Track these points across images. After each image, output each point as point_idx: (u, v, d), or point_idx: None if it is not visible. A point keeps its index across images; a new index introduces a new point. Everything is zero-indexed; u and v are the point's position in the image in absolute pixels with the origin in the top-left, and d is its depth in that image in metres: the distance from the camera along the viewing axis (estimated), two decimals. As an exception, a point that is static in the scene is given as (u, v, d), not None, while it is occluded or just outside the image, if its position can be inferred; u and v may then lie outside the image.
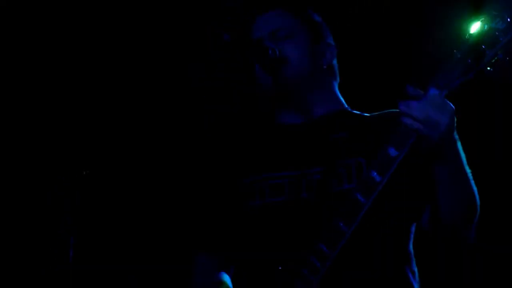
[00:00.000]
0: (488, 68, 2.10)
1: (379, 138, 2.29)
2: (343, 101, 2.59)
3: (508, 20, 2.06)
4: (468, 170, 2.20)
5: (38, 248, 3.86)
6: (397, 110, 2.30)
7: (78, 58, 3.90)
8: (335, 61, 2.62)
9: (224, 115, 3.54)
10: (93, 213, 3.83)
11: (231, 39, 2.38)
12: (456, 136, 2.16)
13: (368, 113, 2.54)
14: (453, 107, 2.11)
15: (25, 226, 3.91)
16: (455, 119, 2.11)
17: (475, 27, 2.09)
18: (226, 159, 2.57)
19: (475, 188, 2.22)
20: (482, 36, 2.08)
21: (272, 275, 2.29)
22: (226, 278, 2.51)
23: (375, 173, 2.13)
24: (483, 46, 2.06)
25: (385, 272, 2.30)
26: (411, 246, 2.41)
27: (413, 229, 2.42)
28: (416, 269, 2.39)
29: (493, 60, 2.08)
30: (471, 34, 2.08)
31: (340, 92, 2.63)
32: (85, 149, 3.71)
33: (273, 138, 2.55)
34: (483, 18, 2.07)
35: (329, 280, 2.20)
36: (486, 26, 2.08)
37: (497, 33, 2.06)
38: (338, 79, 2.62)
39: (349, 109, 2.57)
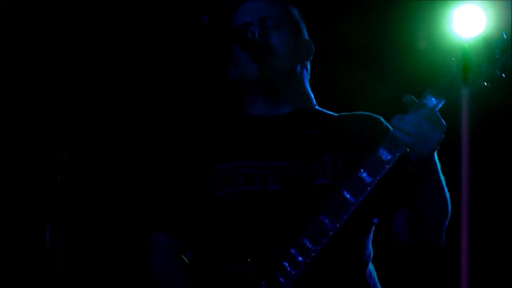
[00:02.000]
0: (486, 84, 2.16)
1: (353, 138, 2.40)
2: (313, 98, 2.60)
3: (505, 37, 2.16)
4: (443, 177, 2.25)
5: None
6: (368, 113, 2.51)
7: (70, 56, 3.88)
8: (310, 58, 2.62)
9: (195, 103, 3.54)
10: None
11: (210, 21, 2.35)
12: None
13: (335, 113, 2.57)
14: (445, 124, 2.16)
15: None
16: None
17: (474, 42, 2.16)
18: (197, 145, 2.54)
19: (448, 194, 2.26)
20: (481, 52, 2.14)
21: (242, 264, 2.29)
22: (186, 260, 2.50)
23: (365, 174, 2.15)
24: (484, 62, 2.14)
25: (360, 267, 2.37)
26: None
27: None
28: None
29: (491, 76, 2.16)
30: (470, 48, 2.15)
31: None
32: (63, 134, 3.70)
33: (246, 128, 2.52)
34: (482, 35, 2.11)
35: (310, 274, 2.20)
36: (484, 43, 2.15)
37: (496, 50, 2.14)
38: (309, 75, 2.63)
39: (318, 108, 2.58)
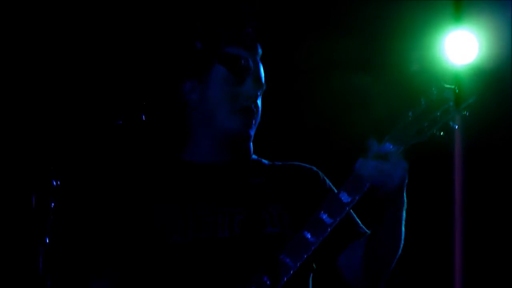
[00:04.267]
0: (441, 133, 2.23)
1: (293, 189, 2.45)
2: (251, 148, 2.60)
3: (457, 91, 2.21)
4: (404, 215, 2.31)
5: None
6: (303, 164, 2.59)
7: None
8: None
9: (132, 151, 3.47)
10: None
11: (203, 47, 2.37)
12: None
13: (268, 161, 2.59)
14: (406, 164, 2.20)
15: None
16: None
17: (430, 93, 2.22)
18: (140, 190, 2.45)
19: (403, 232, 2.32)
20: (436, 102, 2.21)
21: None
22: None
23: (326, 216, 2.22)
24: (438, 113, 2.20)
25: None
26: None
27: None
28: None
29: (445, 126, 2.22)
30: (427, 98, 2.21)
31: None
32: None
33: (188, 174, 2.47)
34: (433, 88, 2.20)
35: None
36: (438, 95, 2.21)
37: (449, 102, 2.21)
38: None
39: (255, 157, 2.58)
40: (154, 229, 2.35)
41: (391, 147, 2.21)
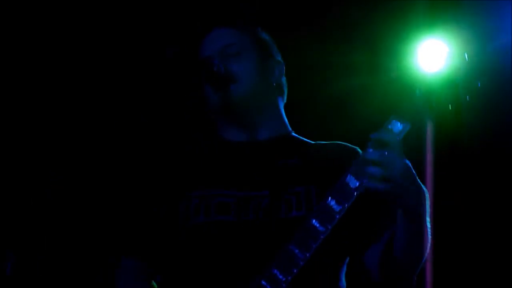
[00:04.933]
0: (450, 108, 2.21)
1: (328, 167, 2.39)
2: (288, 124, 2.59)
3: (467, 59, 2.27)
4: (428, 225, 2.23)
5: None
6: (344, 143, 2.57)
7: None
8: (284, 79, 2.61)
9: (167, 128, 3.56)
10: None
11: (174, 55, 2.39)
12: (426, 194, 2.20)
13: (311, 140, 2.55)
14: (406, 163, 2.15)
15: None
16: (414, 174, 2.16)
17: (438, 66, 2.26)
18: (172, 170, 2.52)
19: (429, 240, 2.25)
20: (444, 76, 2.23)
21: None
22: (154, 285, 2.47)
23: (334, 202, 2.16)
24: (446, 91, 2.21)
25: None
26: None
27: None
28: None
29: (457, 100, 2.21)
30: (434, 73, 2.24)
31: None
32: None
33: (219, 154, 2.51)
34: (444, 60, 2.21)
35: None
36: (447, 68, 2.24)
37: (458, 76, 2.23)
38: (285, 99, 2.62)
39: (294, 134, 2.57)
40: (179, 209, 2.38)
41: (398, 124, 2.16)
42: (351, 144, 2.53)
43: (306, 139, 2.55)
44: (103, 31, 3.83)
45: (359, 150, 2.46)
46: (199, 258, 2.35)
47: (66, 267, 3.92)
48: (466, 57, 2.27)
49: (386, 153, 2.10)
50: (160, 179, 2.51)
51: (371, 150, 2.13)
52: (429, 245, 2.26)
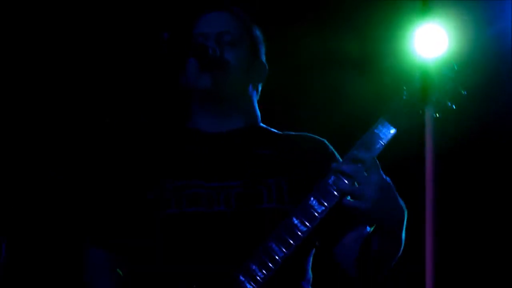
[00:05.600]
0: (436, 115, 2.24)
1: (298, 160, 2.41)
2: (259, 115, 2.60)
3: (456, 68, 2.14)
4: (403, 236, 2.26)
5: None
6: (313, 135, 2.57)
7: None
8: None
9: (136, 116, 3.55)
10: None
11: (170, 35, 2.36)
12: (402, 205, 2.22)
13: (279, 131, 2.56)
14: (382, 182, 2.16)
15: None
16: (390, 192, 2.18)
17: (437, 62, 2.15)
18: (141, 159, 2.49)
19: (402, 245, 2.29)
20: (432, 81, 2.22)
21: (183, 285, 2.27)
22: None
23: (316, 202, 2.17)
24: (435, 93, 2.21)
25: None
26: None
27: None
28: None
29: (443, 107, 2.23)
30: (433, 68, 2.24)
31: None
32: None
33: (189, 143, 2.50)
34: (444, 55, 2.15)
35: None
36: (434, 73, 2.24)
37: (447, 81, 2.23)
38: (258, 97, 2.64)
39: (262, 124, 2.58)
40: (150, 199, 2.37)
41: (385, 129, 2.15)
42: (341, 139, 2.51)
43: (274, 130, 2.56)
44: (100, 27, 3.73)
45: (327, 143, 2.49)
46: (171, 250, 2.33)
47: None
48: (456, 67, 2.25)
49: (360, 167, 2.13)
50: (129, 168, 2.48)
51: (353, 154, 2.15)
52: (401, 249, 2.30)
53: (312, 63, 3.99)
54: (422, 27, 3.75)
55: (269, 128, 2.56)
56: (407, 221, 2.28)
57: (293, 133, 2.54)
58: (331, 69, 3.97)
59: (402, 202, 2.22)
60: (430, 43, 3.73)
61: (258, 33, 2.62)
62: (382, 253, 2.28)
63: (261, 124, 2.56)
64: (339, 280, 2.47)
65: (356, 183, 2.13)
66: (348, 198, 2.15)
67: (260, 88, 2.62)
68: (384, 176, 2.17)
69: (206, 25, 2.52)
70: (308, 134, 2.52)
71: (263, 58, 2.63)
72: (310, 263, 2.44)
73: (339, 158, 2.41)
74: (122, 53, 3.79)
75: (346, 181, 2.13)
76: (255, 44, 2.58)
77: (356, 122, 2.60)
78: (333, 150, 2.47)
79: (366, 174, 2.13)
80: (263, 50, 2.64)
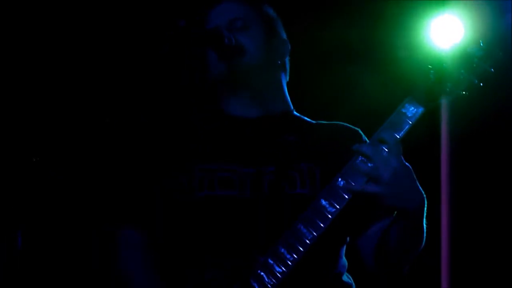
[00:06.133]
0: (464, 92, 2.15)
1: (330, 147, 2.36)
2: (290, 102, 2.55)
3: (482, 46, 2.14)
4: (425, 225, 2.21)
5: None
6: (346, 124, 2.52)
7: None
8: (287, 58, 2.57)
9: (171, 103, 3.54)
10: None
11: (186, 25, 2.30)
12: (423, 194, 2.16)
13: (312, 120, 2.54)
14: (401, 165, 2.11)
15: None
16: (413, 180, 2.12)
17: (452, 51, 2.15)
18: (174, 142, 2.46)
19: (424, 238, 2.24)
20: (458, 61, 2.13)
21: (217, 271, 2.24)
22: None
23: (344, 183, 2.11)
24: (462, 71, 2.12)
25: (336, 278, 2.33)
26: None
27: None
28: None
29: (469, 85, 2.14)
30: (448, 57, 2.12)
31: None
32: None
33: (222, 128, 2.46)
34: (459, 45, 2.13)
35: (286, 284, 2.14)
36: (462, 52, 2.14)
37: (474, 59, 2.13)
38: (288, 77, 2.58)
39: (295, 113, 2.54)
40: (183, 182, 2.31)
41: (412, 108, 2.11)
42: (362, 126, 2.48)
43: (307, 118, 2.51)
44: (100, 27, 3.73)
45: (360, 132, 2.45)
46: (202, 233, 2.28)
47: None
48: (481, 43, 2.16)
49: (383, 149, 2.08)
50: (162, 150, 2.44)
51: (378, 135, 2.10)
52: (424, 242, 2.24)
53: (324, 55, 3.96)
54: (438, 17, 3.76)
55: (302, 116, 2.51)
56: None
57: (327, 122, 2.49)
58: (346, 62, 3.94)
59: (422, 190, 2.18)
60: (446, 33, 3.73)
61: (271, 11, 2.55)
62: (402, 244, 2.22)
63: (295, 113, 2.51)
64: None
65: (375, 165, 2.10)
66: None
67: (288, 66, 2.55)
68: (404, 162, 2.14)
69: (217, 17, 2.47)
70: (341, 123, 2.47)
71: (283, 34, 2.56)
72: (344, 250, 2.38)
73: None
74: (122, 52, 3.76)
75: (367, 163, 2.11)
76: (269, 23, 2.50)
77: (370, 114, 2.56)
78: (366, 139, 2.40)
79: (386, 156, 2.09)
80: (280, 27, 2.56)
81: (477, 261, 3.97)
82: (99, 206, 3.74)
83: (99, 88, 3.76)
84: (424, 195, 2.15)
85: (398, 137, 2.13)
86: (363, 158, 2.10)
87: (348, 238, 2.40)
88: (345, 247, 2.38)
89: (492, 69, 2.15)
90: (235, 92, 2.44)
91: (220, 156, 2.36)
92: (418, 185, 2.15)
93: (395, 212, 2.20)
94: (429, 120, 2.22)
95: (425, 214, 2.18)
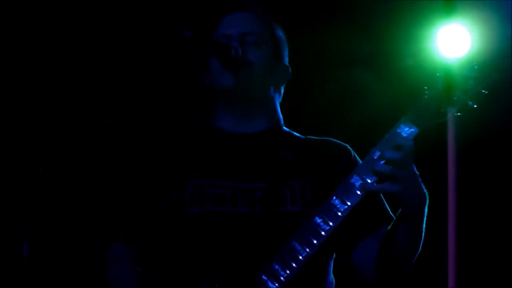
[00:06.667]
0: (458, 113, 2.20)
1: (320, 164, 2.41)
2: (281, 118, 2.58)
3: (476, 68, 2.19)
4: (423, 228, 2.26)
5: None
6: (336, 140, 2.55)
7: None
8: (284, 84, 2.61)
9: (162, 116, 3.54)
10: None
11: (193, 34, 2.35)
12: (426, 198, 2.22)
13: (302, 135, 2.56)
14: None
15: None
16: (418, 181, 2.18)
17: (459, 61, 2.18)
18: (165, 157, 2.47)
19: (421, 242, 2.28)
20: (465, 71, 2.19)
21: (206, 284, 2.26)
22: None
23: (338, 201, 2.16)
24: (457, 92, 2.18)
25: None
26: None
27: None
28: None
29: (476, 95, 2.20)
30: (455, 67, 2.18)
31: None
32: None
33: (213, 144, 2.47)
34: (466, 55, 2.16)
35: None
36: (456, 72, 2.19)
37: (469, 81, 2.18)
38: (281, 98, 2.61)
39: (285, 128, 2.56)
40: (175, 198, 2.34)
41: (406, 129, 2.15)
42: (362, 140, 2.48)
43: (297, 134, 2.55)
44: (100, 27, 3.75)
45: (349, 148, 2.49)
46: (193, 249, 2.31)
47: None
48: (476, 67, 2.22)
49: (400, 153, 2.11)
50: (154, 166, 2.47)
51: (378, 152, 2.15)
52: (421, 244, 2.29)
53: (331, 63, 3.97)
54: (445, 27, 3.79)
55: (292, 132, 2.55)
56: (429, 218, 2.29)
57: (316, 137, 2.53)
58: (351, 69, 3.96)
59: (424, 188, 2.24)
60: (453, 43, 3.76)
61: (281, 34, 2.59)
62: (405, 248, 2.26)
63: (285, 128, 2.55)
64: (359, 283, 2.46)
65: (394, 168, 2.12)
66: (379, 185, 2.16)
67: (282, 91, 2.60)
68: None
69: (230, 25, 2.49)
70: (331, 139, 2.51)
71: (286, 61, 2.60)
72: (331, 266, 2.43)
73: (361, 162, 2.34)
74: (122, 52, 3.76)
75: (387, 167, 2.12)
76: (278, 46, 2.55)
77: (376, 123, 2.57)
78: (355, 155, 2.46)
79: (403, 158, 2.12)
80: (286, 53, 2.60)
81: (483, 265, 4.00)
82: (93, 212, 3.74)
83: (99, 88, 3.76)
84: (427, 195, 2.21)
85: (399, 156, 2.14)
86: (357, 176, 2.14)
87: (334, 254, 2.43)
88: (332, 263, 2.42)
89: (486, 91, 2.17)
90: (235, 105, 2.46)
91: (211, 172, 2.38)
92: (421, 183, 2.21)
93: (396, 216, 2.26)
94: (435, 126, 2.24)
95: (425, 216, 2.23)
